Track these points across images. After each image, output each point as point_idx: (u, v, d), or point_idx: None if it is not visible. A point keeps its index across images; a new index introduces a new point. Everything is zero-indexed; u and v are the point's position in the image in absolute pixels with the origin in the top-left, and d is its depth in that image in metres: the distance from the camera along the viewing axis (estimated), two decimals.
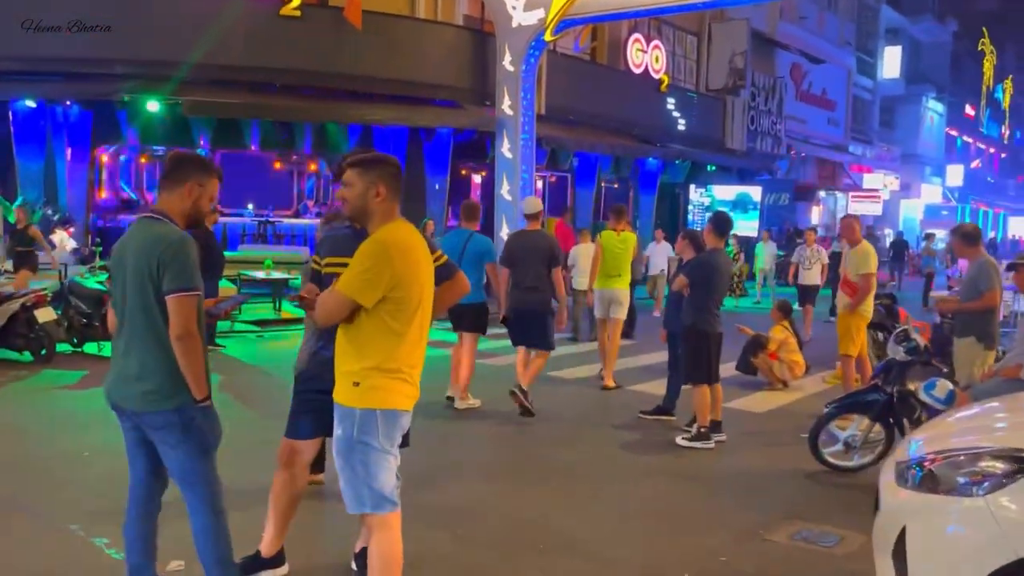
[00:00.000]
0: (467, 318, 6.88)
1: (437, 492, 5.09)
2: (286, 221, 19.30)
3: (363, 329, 2.96)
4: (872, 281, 6.98)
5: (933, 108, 42.72)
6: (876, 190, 32.69)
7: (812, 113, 30.64)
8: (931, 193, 43.76)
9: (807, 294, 13.08)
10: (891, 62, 37.35)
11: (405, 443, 3.30)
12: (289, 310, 12.35)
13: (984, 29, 48.84)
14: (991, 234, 49.76)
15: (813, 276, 13.19)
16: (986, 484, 2.85)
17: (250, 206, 20.00)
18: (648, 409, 7.11)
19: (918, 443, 3.37)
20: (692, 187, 23.90)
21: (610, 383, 8.27)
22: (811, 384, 8.82)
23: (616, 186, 22.67)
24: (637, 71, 20.63)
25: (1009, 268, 6.33)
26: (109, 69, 13.70)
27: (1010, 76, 55.40)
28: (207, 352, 3.14)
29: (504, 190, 15.68)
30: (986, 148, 53.05)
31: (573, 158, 19.26)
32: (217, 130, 15.12)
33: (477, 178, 20.83)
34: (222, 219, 19.36)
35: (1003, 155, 56.84)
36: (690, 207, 24.05)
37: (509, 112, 15.43)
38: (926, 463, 3.09)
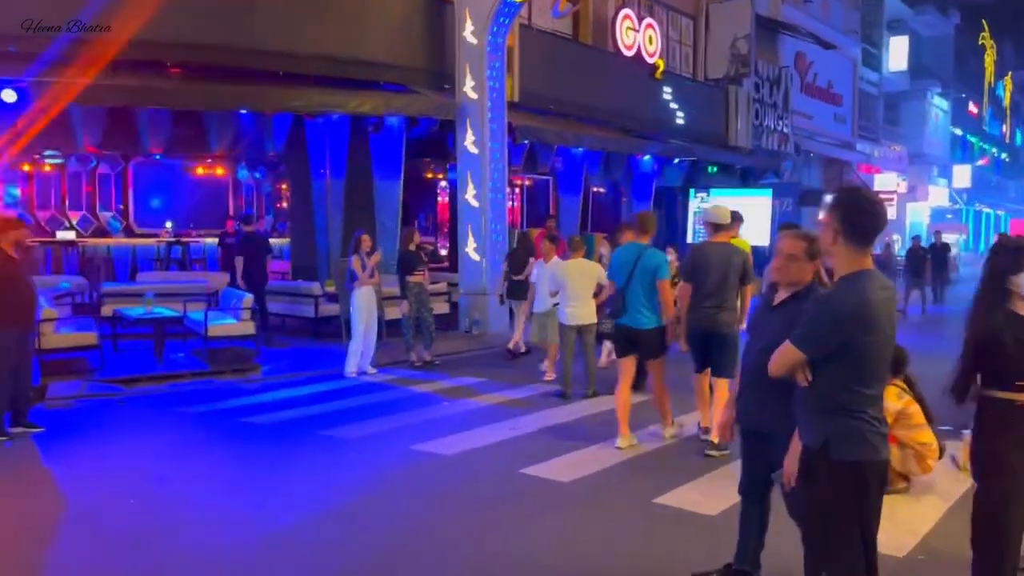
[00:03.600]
0: (644, 345, 6.26)
1: None
2: (209, 242, 15.97)
3: None
4: None
5: (938, 105, 39.97)
6: (892, 192, 29.70)
7: (818, 108, 27.65)
8: (937, 195, 40.98)
9: None
10: (897, 54, 34.55)
11: None
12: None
13: (984, 22, 46.31)
14: (996, 237, 47.22)
15: None
16: None
17: (168, 225, 16.68)
18: (708, 572, 3.85)
19: None
20: (693, 192, 20.84)
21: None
22: (946, 479, 5.59)
23: (605, 191, 19.50)
24: (628, 53, 17.49)
25: None
26: None
27: (1009, 72, 52.96)
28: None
29: (469, 194, 12.45)
30: (988, 148, 50.43)
31: (555, 158, 16.05)
32: (106, 128, 11.79)
33: (442, 181, 17.62)
34: (130, 241, 16.10)
35: (1004, 155, 54.28)
36: (690, 215, 20.95)
37: (473, 96, 12.24)
38: None
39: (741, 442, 3.70)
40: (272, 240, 18.79)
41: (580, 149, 15.60)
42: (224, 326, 9.51)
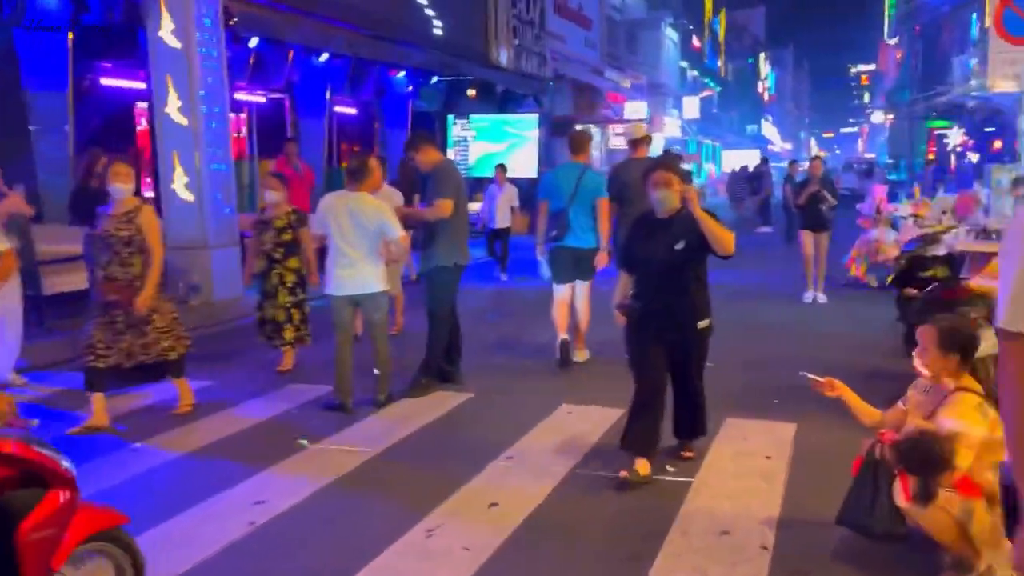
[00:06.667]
0: (584, 265, 6.34)
1: None
2: None
3: None
4: None
5: (670, 36, 40.61)
6: (641, 122, 29.15)
7: (570, 30, 26.07)
8: (671, 126, 42.01)
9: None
10: None
11: None
12: None
13: None
14: (709, 166, 50.37)
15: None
16: None
17: None
18: None
19: None
20: (452, 119, 18.29)
21: None
22: None
23: (355, 111, 16.27)
24: None
25: None
26: None
27: (723, 9, 55.85)
28: None
29: (172, 108, 8.80)
30: (709, 82, 53.03)
31: (292, 68, 12.56)
32: None
33: (141, 103, 13.36)
34: None
35: (718, 89, 57.61)
36: (451, 144, 18.38)
37: None
38: None
39: None
40: None
41: (324, 56, 12.29)
42: None
